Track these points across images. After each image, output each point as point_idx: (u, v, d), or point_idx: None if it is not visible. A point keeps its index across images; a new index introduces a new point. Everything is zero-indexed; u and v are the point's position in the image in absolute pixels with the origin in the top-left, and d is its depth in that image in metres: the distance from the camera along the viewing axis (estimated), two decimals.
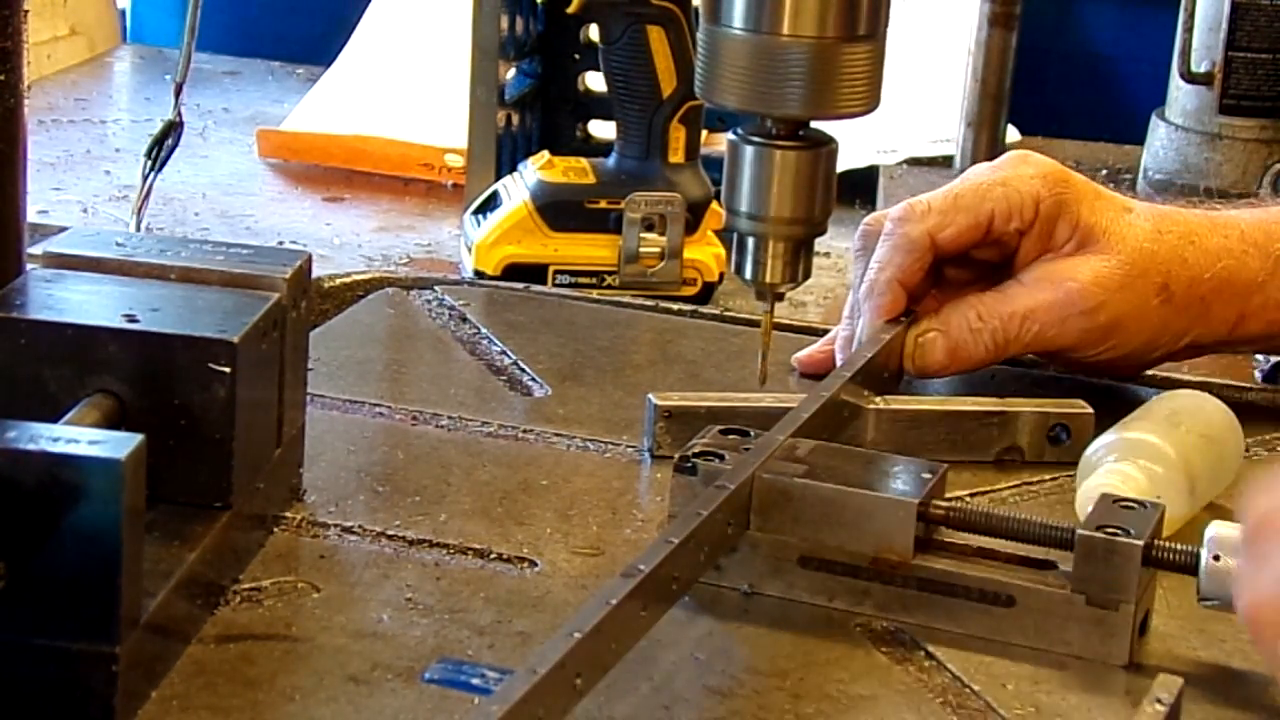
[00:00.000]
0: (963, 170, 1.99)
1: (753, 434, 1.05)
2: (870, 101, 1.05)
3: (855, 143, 1.85)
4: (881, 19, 1.04)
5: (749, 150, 1.06)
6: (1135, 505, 0.99)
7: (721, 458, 1.02)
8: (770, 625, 0.99)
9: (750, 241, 1.08)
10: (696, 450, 1.03)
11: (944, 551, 1.00)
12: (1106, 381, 1.32)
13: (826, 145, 1.07)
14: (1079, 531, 0.96)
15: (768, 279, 1.08)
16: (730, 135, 1.08)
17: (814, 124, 1.07)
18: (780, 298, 1.11)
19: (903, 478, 1.01)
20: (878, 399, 1.18)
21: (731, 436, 1.05)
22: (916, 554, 0.99)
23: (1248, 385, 1.36)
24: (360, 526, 1.05)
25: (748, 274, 1.09)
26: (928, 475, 1.01)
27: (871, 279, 1.25)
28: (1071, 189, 1.26)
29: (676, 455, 1.03)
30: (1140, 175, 1.98)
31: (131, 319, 0.95)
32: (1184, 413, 1.15)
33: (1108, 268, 1.24)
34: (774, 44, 1.02)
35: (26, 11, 0.99)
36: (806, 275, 1.10)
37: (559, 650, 0.82)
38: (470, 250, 1.62)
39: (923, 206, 1.25)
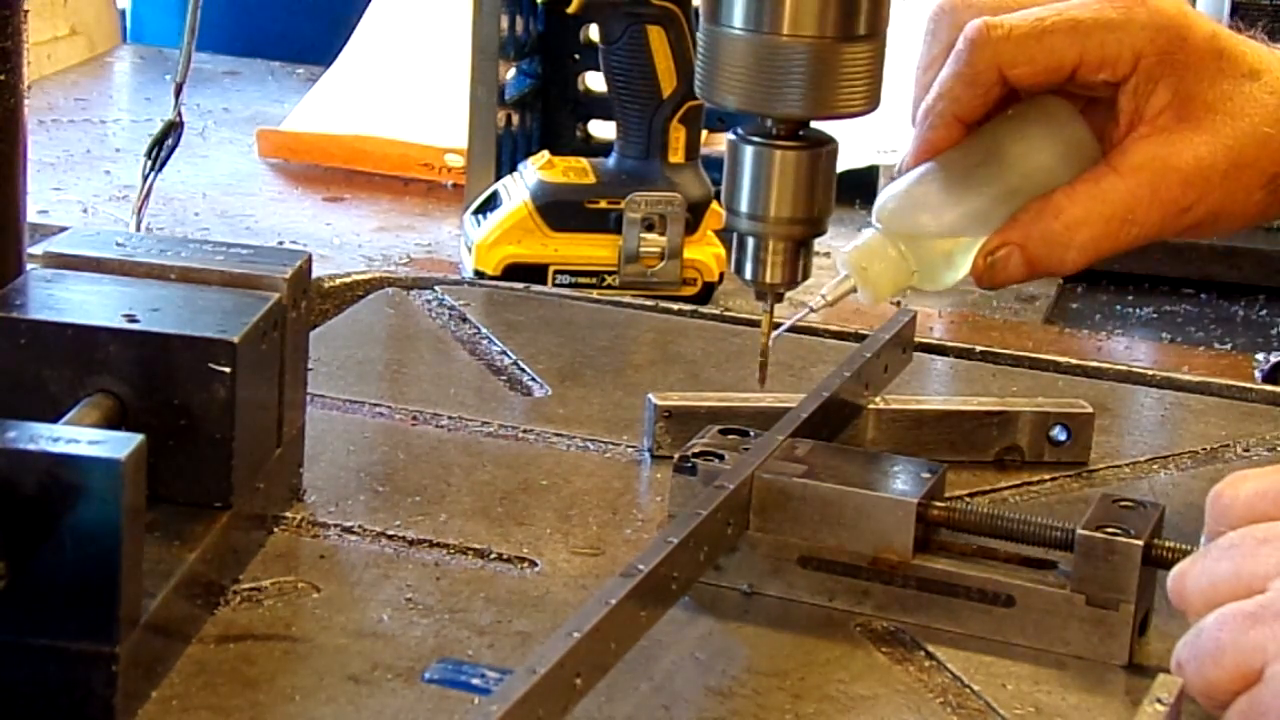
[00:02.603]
0: None
1: (752, 434, 1.05)
2: (870, 101, 1.05)
3: (855, 143, 1.85)
4: (881, 19, 1.03)
5: (749, 150, 1.06)
6: (1135, 505, 0.99)
7: (721, 458, 1.02)
8: (770, 625, 0.99)
9: (750, 241, 1.08)
10: (696, 450, 1.03)
11: (944, 551, 1.00)
12: (1107, 381, 1.32)
13: (827, 145, 1.07)
14: (1079, 531, 0.96)
15: (768, 279, 1.08)
16: (730, 135, 1.08)
17: (814, 124, 1.07)
18: (780, 298, 1.11)
19: (902, 477, 1.01)
20: (877, 399, 1.19)
21: (731, 436, 1.05)
22: (916, 554, 0.99)
23: (1248, 385, 1.36)
24: (360, 526, 1.05)
25: (748, 274, 1.09)
26: (927, 475, 1.01)
27: (927, 104, 1.09)
28: (1185, 49, 1.06)
29: (676, 455, 1.03)
30: None
31: (131, 319, 0.95)
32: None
33: (1210, 153, 1.06)
34: (774, 44, 1.02)
35: (26, 11, 0.99)
36: (806, 275, 1.10)
37: (558, 650, 0.82)
38: (470, 250, 1.62)
39: (1000, 31, 1.07)
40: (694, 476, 1.02)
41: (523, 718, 0.79)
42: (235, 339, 0.94)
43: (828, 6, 1.02)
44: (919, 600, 0.99)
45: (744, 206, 1.06)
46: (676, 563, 0.92)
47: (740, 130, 1.07)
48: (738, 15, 1.02)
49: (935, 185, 1.10)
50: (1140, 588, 0.96)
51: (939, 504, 1.00)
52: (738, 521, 1.00)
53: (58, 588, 0.82)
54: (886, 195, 1.11)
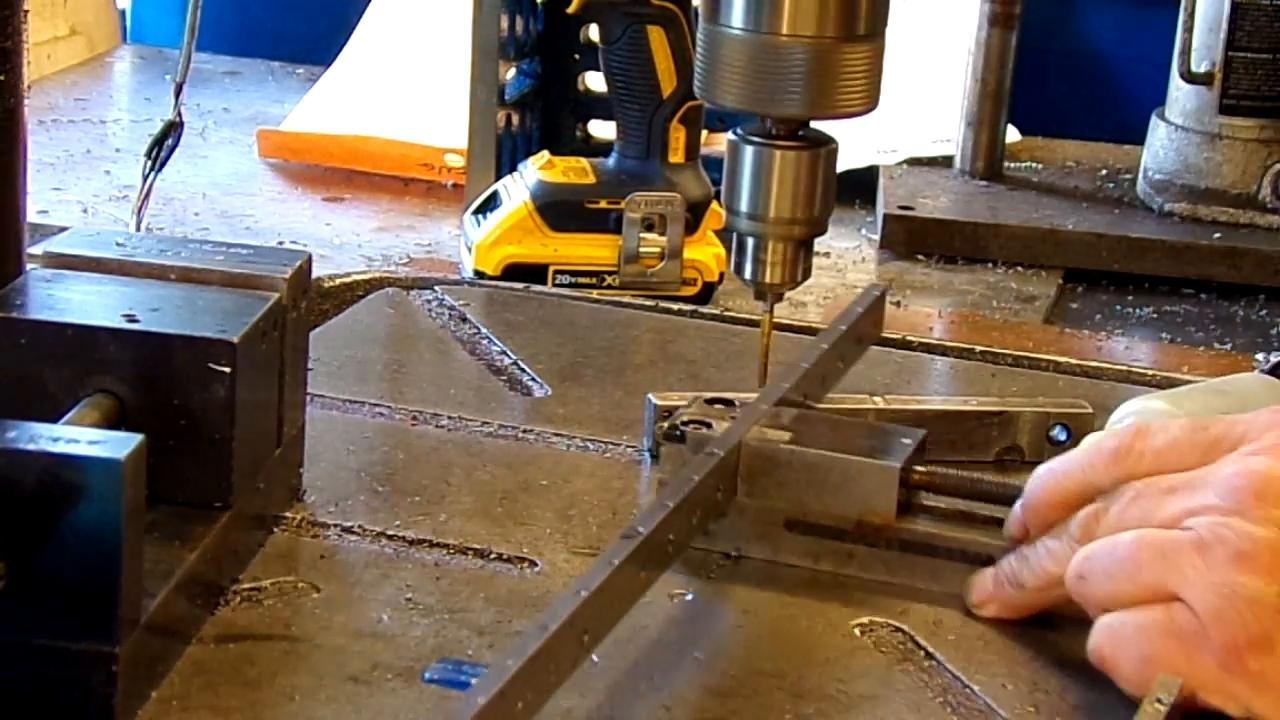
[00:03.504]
0: (962, 170, 2.00)
1: (737, 403, 1.07)
2: (870, 101, 1.05)
3: (855, 143, 1.85)
4: (881, 19, 1.03)
5: (749, 150, 1.06)
6: None
7: (709, 425, 1.04)
8: (770, 625, 0.99)
9: (750, 242, 1.08)
10: (685, 419, 1.05)
11: (925, 514, 1.03)
12: (1107, 381, 1.32)
13: (826, 145, 1.07)
14: None
15: (767, 279, 1.08)
16: (730, 135, 1.08)
17: (814, 124, 1.07)
18: (780, 298, 1.11)
19: (885, 443, 1.04)
20: (877, 398, 1.19)
21: (717, 406, 1.07)
22: (899, 516, 1.02)
23: None
24: (360, 526, 1.05)
25: (747, 274, 1.09)
26: (908, 441, 1.04)
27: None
28: None
29: (665, 424, 1.05)
30: (1140, 175, 1.98)
31: (131, 319, 0.95)
32: (1232, 384, 1.15)
33: None
34: (773, 44, 1.02)
35: (26, 11, 0.99)
36: (806, 275, 1.10)
37: (568, 607, 0.84)
38: (470, 250, 1.62)
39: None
40: (683, 444, 1.04)
41: (538, 671, 0.81)
42: (235, 339, 0.94)
43: (827, 6, 1.02)
44: (902, 561, 1.02)
45: (744, 206, 1.06)
46: (673, 526, 0.94)
47: (740, 130, 1.07)
48: (737, 15, 1.02)
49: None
50: None
51: (920, 469, 1.03)
52: (727, 487, 1.02)
53: (58, 588, 0.82)
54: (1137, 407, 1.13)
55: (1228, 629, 0.88)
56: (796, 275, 1.09)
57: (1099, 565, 0.93)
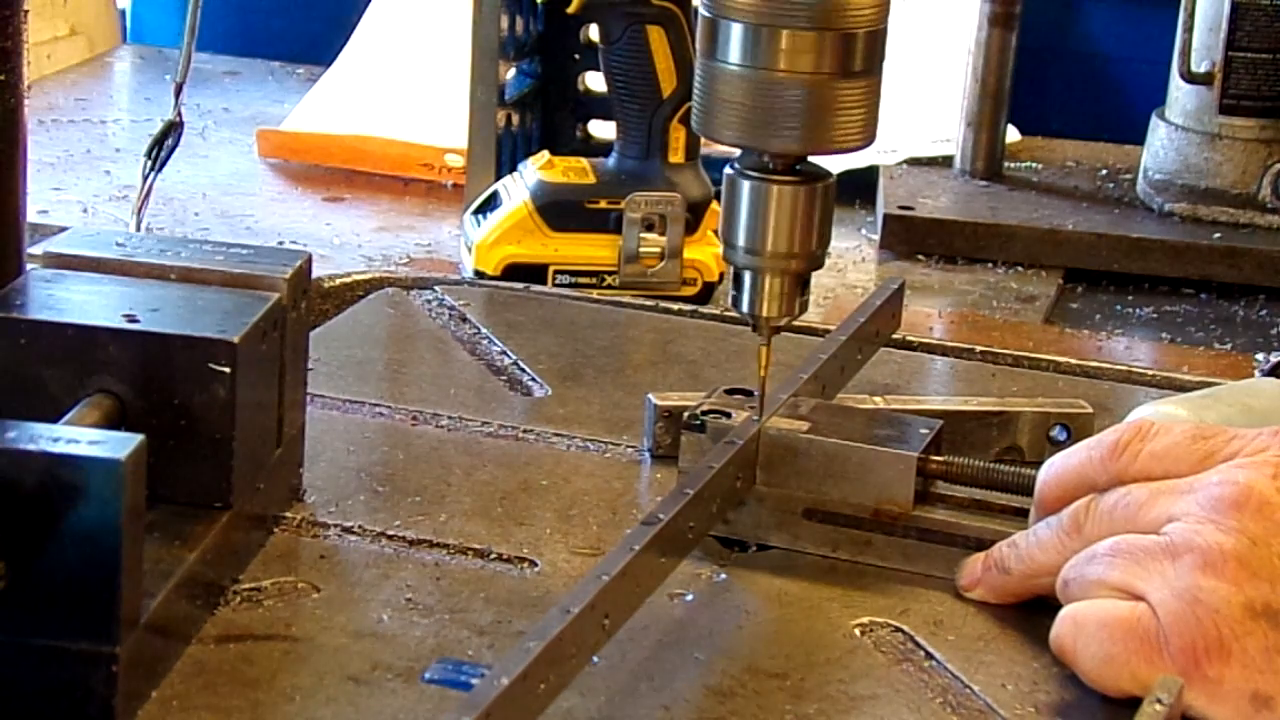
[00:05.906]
0: (962, 170, 2.01)
1: (756, 392, 1.08)
2: (867, 136, 1.05)
3: None
4: (878, 55, 1.03)
5: (745, 185, 1.05)
6: None
7: (729, 415, 1.07)
8: (770, 624, 0.99)
9: (747, 275, 1.08)
10: (704, 409, 1.07)
11: (942, 503, 1.05)
12: (1107, 381, 1.32)
13: (823, 180, 1.06)
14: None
15: (764, 313, 1.08)
16: (727, 169, 1.07)
17: (811, 158, 1.07)
18: (778, 331, 1.11)
19: (902, 433, 1.06)
20: (877, 398, 1.19)
21: (737, 396, 1.09)
22: (916, 505, 1.03)
23: None
24: (360, 526, 1.05)
25: (744, 307, 1.08)
26: (925, 431, 1.06)
27: None
28: None
29: (686, 414, 1.07)
30: (1140, 175, 1.98)
31: (131, 319, 0.95)
32: (1240, 389, 1.15)
33: None
34: (770, 80, 1.02)
35: (26, 11, 0.99)
36: (804, 309, 1.10)
37: (590, 592, 0.86)
38: (470, 250, 1.62)
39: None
40: (703, 434, 1.06)
41: (560, 653, 0.83)
42: (235, 339, 0.94)
43: (824, 43, 1.01)
44: (919, 549, 1.03)
45: (741, 240, 1.06)
46: (693, 513, 0.97)
47: (737, 164, 1.06)
48: (734, 51, 1.02)
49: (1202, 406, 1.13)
50: None
51: (937, 458, 1.04)
52: (746, 476, 1.04)
53: (58, 588, 0.82)
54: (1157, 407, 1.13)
55: (1187, 633, 0.89)
56: (793, 309, 1.08)
57: (1079, 571, 0.95)
